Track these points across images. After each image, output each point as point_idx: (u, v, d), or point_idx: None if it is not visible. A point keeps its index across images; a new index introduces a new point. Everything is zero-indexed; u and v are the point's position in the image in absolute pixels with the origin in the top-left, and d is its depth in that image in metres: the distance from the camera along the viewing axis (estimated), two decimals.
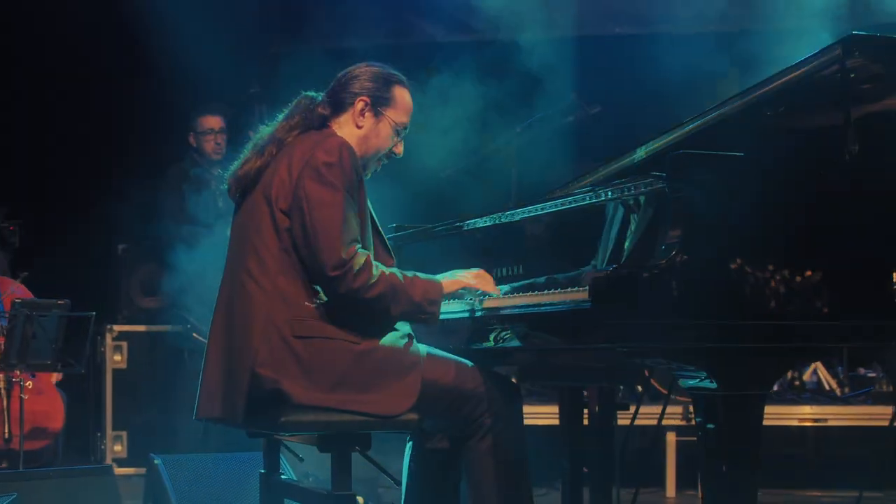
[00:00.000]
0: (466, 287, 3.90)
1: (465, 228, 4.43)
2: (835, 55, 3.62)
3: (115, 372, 7.42)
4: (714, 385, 3.32)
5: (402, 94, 4.01)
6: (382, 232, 4.01)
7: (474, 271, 3.93)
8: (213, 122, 7.02)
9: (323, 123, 3.92)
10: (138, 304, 7.64)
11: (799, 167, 3.53)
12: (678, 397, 7.00)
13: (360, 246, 3.71)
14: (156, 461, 4.99)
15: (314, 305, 3.71)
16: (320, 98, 3.97)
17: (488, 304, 3.85)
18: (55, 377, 6.21)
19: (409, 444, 4.16)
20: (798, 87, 3.72)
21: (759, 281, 3.30)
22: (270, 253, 3.75)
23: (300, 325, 3.68)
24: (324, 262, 3.64)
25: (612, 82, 7.66)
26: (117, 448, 7.37)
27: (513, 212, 4.17)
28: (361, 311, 3.73)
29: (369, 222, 3.87)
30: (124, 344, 7.44)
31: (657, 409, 6.02)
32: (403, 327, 3.84)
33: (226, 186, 4.00)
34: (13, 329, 5.36)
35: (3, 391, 5.49)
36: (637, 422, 5.79)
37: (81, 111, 7.94)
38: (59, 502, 4.85)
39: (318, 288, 3.72)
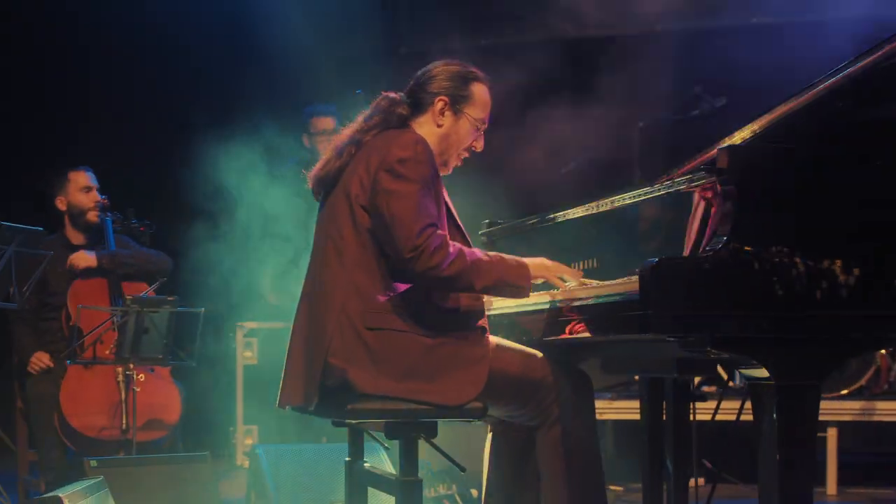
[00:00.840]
0: (547, 279, 3.96)
1: (557, 222, 4.46)
2: None
3: (246, 367, 7.62)
4: (767, 375, 3.34)
5: (481, 91, 4.06)
6: (462, 226, 4.08)
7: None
8: (327, 123, 7.11)
9: (403, 123, 4.00)
10: (268, 300, 7.82)
11: (856, 159, 3.52)
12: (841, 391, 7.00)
13: (437, 229, 3.78)
14: (257, 451, 5.18)
15: (387, 299, 3.79)
16: (400, 98, 4.05)
17: (555, 295, 3.92)
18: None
19: (489, 434, 4.24)
20: (864, 77, 3.67)
21: (809, 272, 3.30)
22: (349, 248, 3.86)
23: (373, 317, 3.77)
24: (401, 247, 3.72)
25: (737, 74, 7.57)
26: (248, 441, 7.54)
27: (579, 206, 4.22)
28: (444, 288, 3.80)
29: (446, 216, 3.96)
30: (254, 340, 7.65)
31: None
32: (476, 321, 3.91)
33: (309, 187, 4.13)
34: (125, 324, 5.60)
35: (121, 384, 5.70)
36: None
37: (206, 110, 8.15)
38: (154, 488, 5.03)
39: (395, 282, 3.82)
